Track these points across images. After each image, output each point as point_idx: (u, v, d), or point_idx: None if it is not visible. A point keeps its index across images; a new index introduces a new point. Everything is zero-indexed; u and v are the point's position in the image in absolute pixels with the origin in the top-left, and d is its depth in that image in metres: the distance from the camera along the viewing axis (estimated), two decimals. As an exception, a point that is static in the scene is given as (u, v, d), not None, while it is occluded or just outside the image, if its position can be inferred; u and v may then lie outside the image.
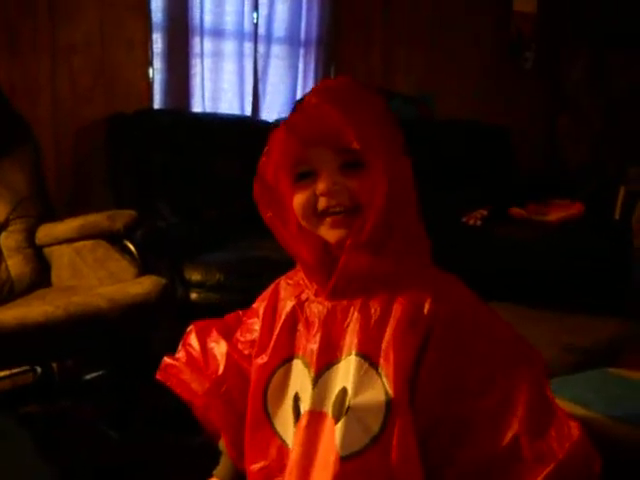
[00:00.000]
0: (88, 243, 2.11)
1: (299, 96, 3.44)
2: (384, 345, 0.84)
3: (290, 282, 0.99)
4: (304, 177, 0.89)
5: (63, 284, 2.13)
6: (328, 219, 0.88)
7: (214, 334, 1.04)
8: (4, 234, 2.21)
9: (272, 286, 1.02)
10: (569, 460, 0.80)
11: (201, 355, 1.02)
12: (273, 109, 3.39)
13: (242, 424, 0.95)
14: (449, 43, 3.92)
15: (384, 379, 0.83)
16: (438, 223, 3.10)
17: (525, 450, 0.80)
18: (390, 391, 0.82)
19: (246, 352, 1.00)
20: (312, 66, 3.53)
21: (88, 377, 2.28)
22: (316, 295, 0.93)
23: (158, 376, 1.04)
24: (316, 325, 0.91)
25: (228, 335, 1.03)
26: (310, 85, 3.49)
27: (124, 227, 2.06)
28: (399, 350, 0.83)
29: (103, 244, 2.09)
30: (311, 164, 0.89)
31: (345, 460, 0.82)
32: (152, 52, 3.00)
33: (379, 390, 0.83)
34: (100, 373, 2.27)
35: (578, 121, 4.27)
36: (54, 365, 2.25)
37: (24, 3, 2.70)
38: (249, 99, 3.30)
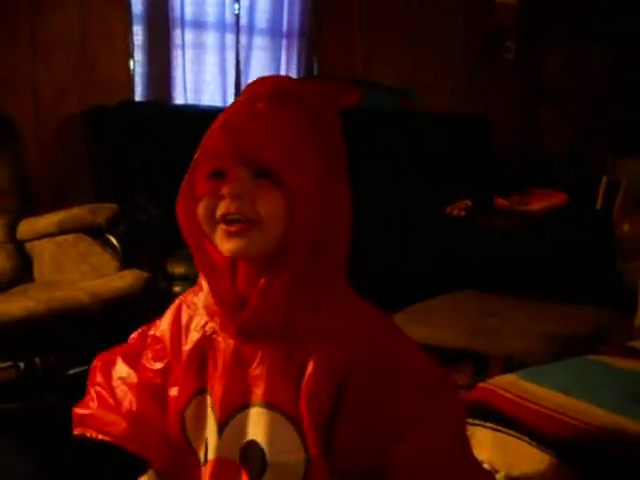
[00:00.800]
0: (70, 237, 2.10)
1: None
2: (298, 397, 0.78)
3: (191, 306, 0.90)
4: (215, 176, 0.80)
5: (45, 279, 2.11)
6: (223, 226, 0.78)
7: (120, 366, 0.95)
8: (-16, 230, 2.20)
9: (172, 311, 0.93)
10: None
11: (110, 394, 0.94)
12: (256, 101, 3.38)
13: (171, 449, 0.90)
14: (431, 34, 3.92)
15: (300, 434, 0.78)
16: (421, 214, 3.13)
17: None
18: (309, 447, 0.77)
19: (157, 380, 0.92)
20: (294, 57, 3.52)
21: (72, 372, 2.26)
22: (221, 329, 0.84)
23: (76, 432, 0.95)
24: (220, 366, 0.83)
25: (135, 362, 0.95)
26: (292, 76, 3.48)
27: (106, 221, 2.05)
28: (314, 403, 0.77)
29: (85, 238, 2.09)
30: (224, 163, 0.79)
31: None
32: (133, 44, 2.98)
33: (298, 447, 0.78)
34: (84, 368, 2.25)
35: (558, 112, 4.29)
36: (37, 360, 2.23)
37: (2, -3, 2.67)
38: (231, 90, 3.28)
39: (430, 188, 3.46)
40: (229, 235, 0.78)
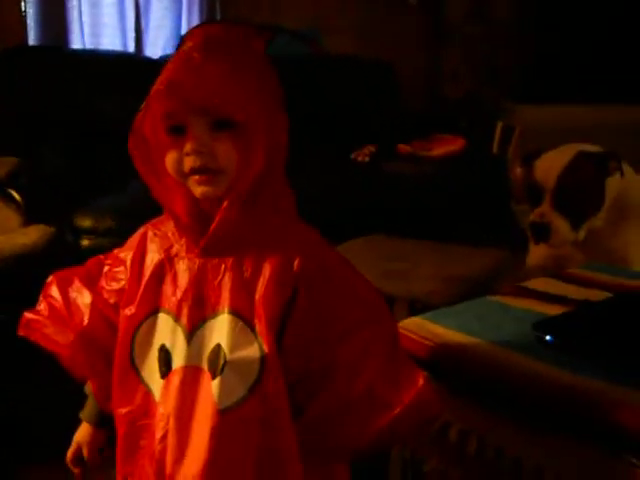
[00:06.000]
0: (-33, 193, 2.01)
1: (184, 31, 3.34)
2: (255, 303, 0.89)
3: (158, 233, 0.98)
4: (176, 131, 0.89)
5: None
6: (195, 177, 0.89)
7: (76, 283, 1.02)
8: None
9: (138, 235, 1.00)
10: (413, 405, 0.91)
11: (64, 306, 1.01)
12: (157, 45, 3.28)
13: (109, 371, 0.98)
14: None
15: (258, 336, 0.88)
16: (327, 160, 3.17)
17: (377, 396, 0.91)
18: (264, 347, 0.88)
19: (112, 301, 1.00)
20: (196, 1, 3.42)
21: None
22: (187, 251, 0.94)
23: (20, 332, 1.03)
24: (186, 281, 0.93)
25: (91, 283, 1.02)
26: (195, 19, 3.39)
27: (6, 175, 1.98)
28: (269, 308, 0.88)
29: (-16, 193, 2.01)
30: (182, 120, 0.88)
31: (223, 412, 0.87)
32: (23, -17, 2.81)
33: (254, 346, 0.88)
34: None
35: (459, 57, 4.39)
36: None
37: None
38: (132, 34, 3.17)
39: (336, 134, 3.50)
40: (199, 183, 0.89)
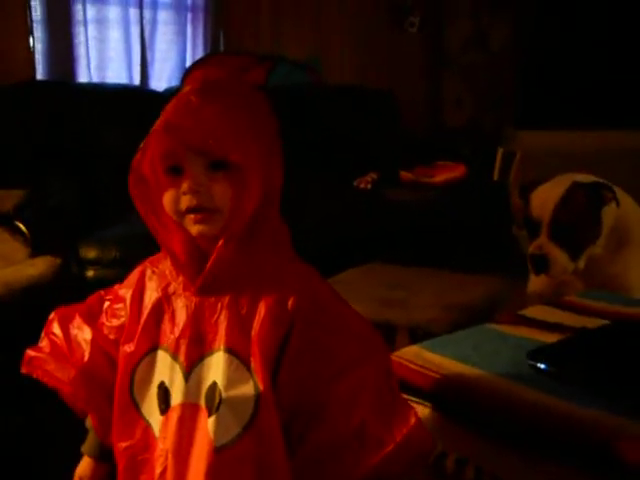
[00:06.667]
0: (-24, 226, 2.05)
1: (189, 63, 3.40)
2: (251, 341, 0.90)
3: (156, 271, 0.99)
4: (173, 172, 0.91)
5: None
6: (191, 215, 0.91)
7: (77, 320, 1.04)
8: None
9: (137, 273, 1.02)
10: (405, 442, 0.92)
11: (65, 343, 1.03)
12: (162, 77, 3.35)
13: (109, 405, 0.99)
14: (337, 8, 3.96)
15: (253, 374, 0.89)
16: (329, 188, 3.21)
17: (369, 433, 0.92)
18: (259, 385, 0.89)
19: (112, 337, 1.01)
20: (200, 31, 3.50)
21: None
22: (184, 289, 0.95)
23: (23, 370, 1.04)
24: (184, 319, 0.94)
25: (92, 319, 1.04)
26: (199, 52, 3.46)
27: (13, 208, 2.02)
28: (265, 346, 0.90)
29: (-8, 226, 2.04)
30: (179, 161, 0.90)
31: (219, 450, 0.89)
32: (31, 20, 2.87)
33: (249, 385, 0.89)
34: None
35: (460, 85, 4.45)
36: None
37: None
38: (137, 68, 3.24)
39: (339, 162, 3.54)
40: (195, 222, 0.91)
